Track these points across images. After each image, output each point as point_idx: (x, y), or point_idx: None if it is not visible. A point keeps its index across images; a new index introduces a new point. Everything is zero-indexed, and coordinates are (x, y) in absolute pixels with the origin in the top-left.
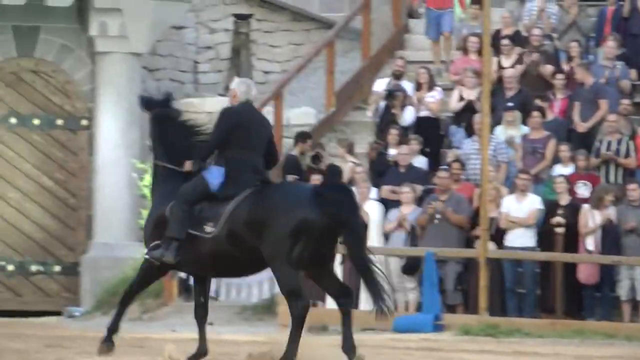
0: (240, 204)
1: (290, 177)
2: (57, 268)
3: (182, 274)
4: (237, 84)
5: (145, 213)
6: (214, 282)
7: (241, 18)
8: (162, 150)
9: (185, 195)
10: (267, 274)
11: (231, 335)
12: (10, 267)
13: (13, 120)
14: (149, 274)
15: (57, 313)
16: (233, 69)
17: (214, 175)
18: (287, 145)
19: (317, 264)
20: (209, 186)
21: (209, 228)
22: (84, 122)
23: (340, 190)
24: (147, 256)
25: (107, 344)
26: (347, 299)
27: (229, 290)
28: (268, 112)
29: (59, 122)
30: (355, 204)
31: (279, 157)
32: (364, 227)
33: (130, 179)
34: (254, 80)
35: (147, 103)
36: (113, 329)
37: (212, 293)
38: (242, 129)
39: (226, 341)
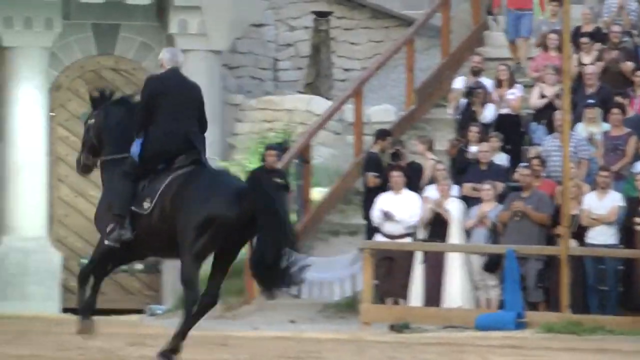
0: (173, 181)
1: (371, 174)
2: (140, 266)
3: None
4: (163, 53)
5: None
6: None
7: (321, 15)
8: (110, 144)
9: (121, 171)
10: (348, 271)
11: (313, 333)
12: None
13: None
14: (105, 257)
15: (139, 311)
16: (313, 66)
17: (135, 145)
18: (367, 143)
19: (220, 258)
20: (134, 158)
21: (146, 204)
22: None
23: (263, 191)
24: (107, 242)
25: (86, 322)
26: (212, 300)
27: (311, 289)
28: (349, 110)
29: None
30: (276, 206)
31: (206, 126)
32: (282, 227)
33: None
34: (334, 77)
35: (96, 100)
36: (83, 307)
37: (294, 291)
38: (166, 95)
39: (308, 339)
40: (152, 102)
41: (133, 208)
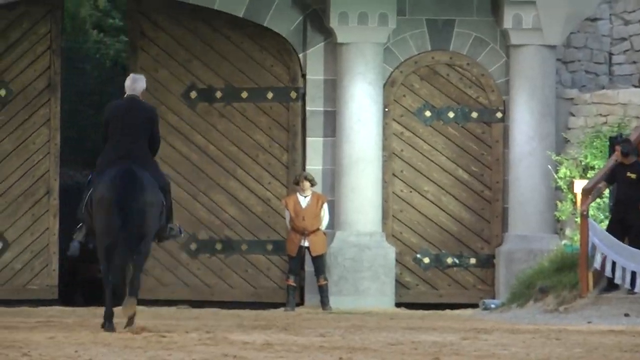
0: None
1: None
2: (473, 260)
3: (597, 265)
4: (127, 80)
5: (560, 205)
6: (628, 274)
7: None
8: None
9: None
10: None
11: None
12: (426, 260)
13: (428, 114)
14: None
15: (473, 305)
16: None
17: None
18: None
19: None
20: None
21: (83, 209)
22: (499, 115)
23: (118, 173)
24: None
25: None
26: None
27: None
28: None
29: (474, 114)
30: (129, 186)
31: (158, 145)
32: (136, 210)
33: (546, 170)
34: None
35: None
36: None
37: (627, 285)
38: (115, 121)
39: None
40: (108, 125)
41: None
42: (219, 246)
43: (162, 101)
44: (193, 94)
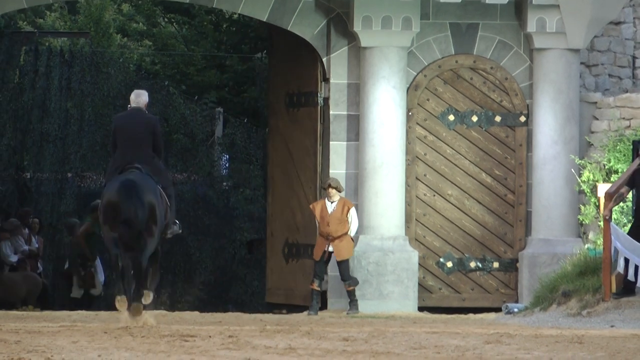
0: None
1: None
2: (496, 264)
3: (619, 269)
4: (132, 94)
5: (584, 209)
6: None
7: None
8: None
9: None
10: None
11: None
12: (449, 264)
13: (451, 117)
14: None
15: (496, 309)
16: None
17: None
18: None
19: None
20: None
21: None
22: (522, 119)
23: (122, 181)
24: None
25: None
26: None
27: None
28: None
29: (497, 118)
30: (130, 195)
31: (160, 150)
32: (135, 219)
33: (569, 174)
34: None
35: None
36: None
37: None
38: (122, 130)
39: None
40: (115, 135)
41: None
42: (294, 250)
43: (276, 108)
44: (287, 100)
